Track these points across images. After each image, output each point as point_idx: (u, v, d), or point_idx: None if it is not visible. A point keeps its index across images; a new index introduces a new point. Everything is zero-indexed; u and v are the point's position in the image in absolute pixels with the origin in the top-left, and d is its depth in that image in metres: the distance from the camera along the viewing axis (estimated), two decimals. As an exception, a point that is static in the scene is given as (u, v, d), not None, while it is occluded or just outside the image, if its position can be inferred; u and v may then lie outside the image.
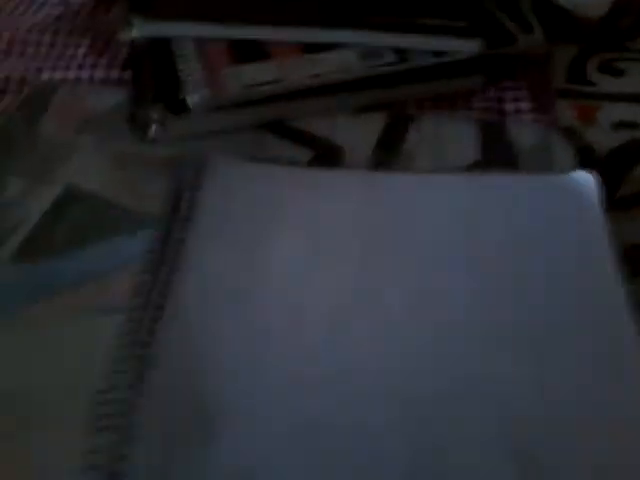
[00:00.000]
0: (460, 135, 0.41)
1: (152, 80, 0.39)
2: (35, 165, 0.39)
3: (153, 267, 0.32)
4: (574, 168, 0.38)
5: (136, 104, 0.40)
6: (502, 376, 0.29)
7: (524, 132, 0.41)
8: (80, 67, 0.44)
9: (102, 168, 0.38)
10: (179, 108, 0.38)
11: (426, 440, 0.27)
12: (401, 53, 0.40)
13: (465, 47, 0.39)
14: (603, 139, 0.40)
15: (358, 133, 0.41)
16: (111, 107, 0.41)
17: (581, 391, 0.28)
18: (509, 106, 0.42)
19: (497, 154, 0.40)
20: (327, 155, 0.39)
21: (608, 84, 0.44)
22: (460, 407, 0.28)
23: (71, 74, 0.43)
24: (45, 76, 0.44)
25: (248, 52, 0.40)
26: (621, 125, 0.41)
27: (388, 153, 0.40)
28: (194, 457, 0.27)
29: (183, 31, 0.41)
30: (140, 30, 0.41)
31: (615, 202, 0.36)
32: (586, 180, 0.36)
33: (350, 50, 0.40)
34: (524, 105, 0.42)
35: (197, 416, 0.28)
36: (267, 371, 0.29)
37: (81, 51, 0.45)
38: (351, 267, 0.33)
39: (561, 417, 0.28)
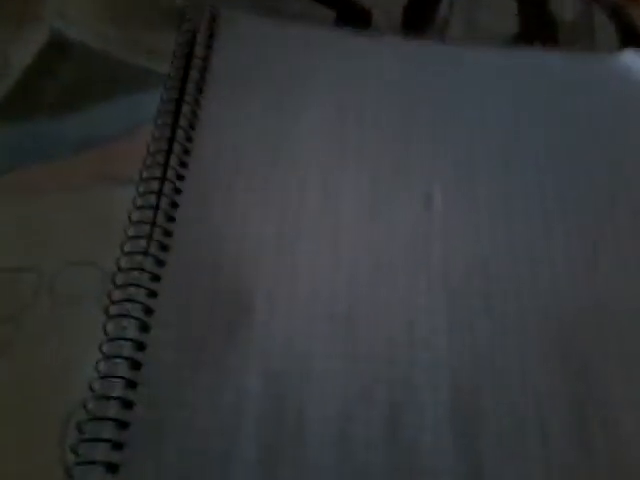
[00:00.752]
0: (495, 4, 0.37)
1: None
2: (10, 6, 0.33)
3: (167, 133, 0.28)
4: (618, 47, 0.35)
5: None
6: (557, 259, 0.27)
7: (564, 5, 0.37)
8: None
9: (93, 15, 0.33)
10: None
11: (468, 339, 0.25)
12: None
13: None
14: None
15: (386, -7, 0.36)
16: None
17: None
18: (549, -26, 0.38)
19: (536, 27, 0.36)
20: (352, 17, 0.35)
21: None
22: (515, 289, 0.26)
23: None
24: None
25: None
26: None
27: (419, 19, 0.36)
28: (227, 341, 0.24)
29: None
30: None
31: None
32: (634, 60, 0.34)
33: None
34: (565, -26, 0.38)
35: (227, 299, 0.25)
36: (302, 253, 0.26)
37: None
38: (386, 143, 0.30)
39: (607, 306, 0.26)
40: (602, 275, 0.27)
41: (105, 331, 0.23)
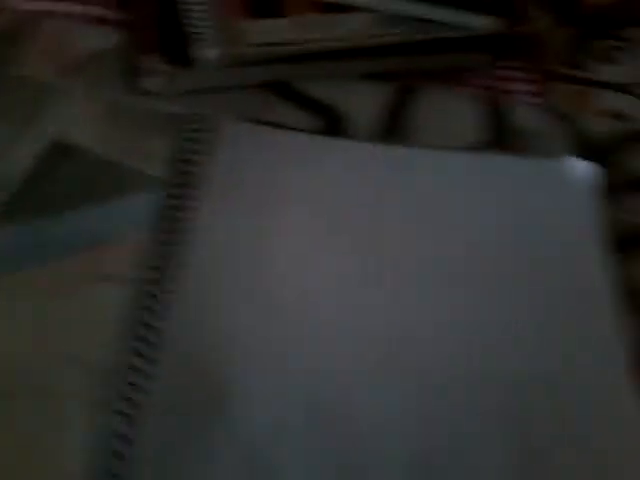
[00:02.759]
0: (463, 113, 0.41)
1: (154, 26, 0.36)
2: (15, 111, 0.35)
3: (162, 235, 0.31)
4: (571, 153, 0.39)
5: (135, 52, 0.36)
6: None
7: (525, 115, 0.41)
8: (72, -1, 0.39)
9: (95, 120, 0.35)
10: (186, 61, 0.35)
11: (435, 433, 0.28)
12: (417, 23, 0.39)
13: (481, 23, 0.38)
14: (598, 125, 0.41)
15: (363, 101, 0.39)
16: (104, 51, 0.37)
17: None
18: (510, 86, 0.43)
19: (498, 135, 0.40)
20: (332, 122, 0.38)
21: (602, 72, 0.45)
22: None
23: (60, 7, 0.39)
24: (28, 5, 0.39)
25: (263, 5, 0.37)
26: (615, 114, 0.43)
27: (393, 125, 0.39)
28: (207, 431, 0.26)
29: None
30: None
31: (608, 190, 0.38)
32: (582, 166, 0.38)
33: (368, 14, 0.38)
34: (524, 87, 0.43)
35: (211, 392, 0.28)
36: (281, 347, 0.29)
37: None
38: (359, 240, 0.33)
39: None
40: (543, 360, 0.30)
41: (93, 426, 0.25)
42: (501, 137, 0.40)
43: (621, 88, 0.44)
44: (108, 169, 0.34)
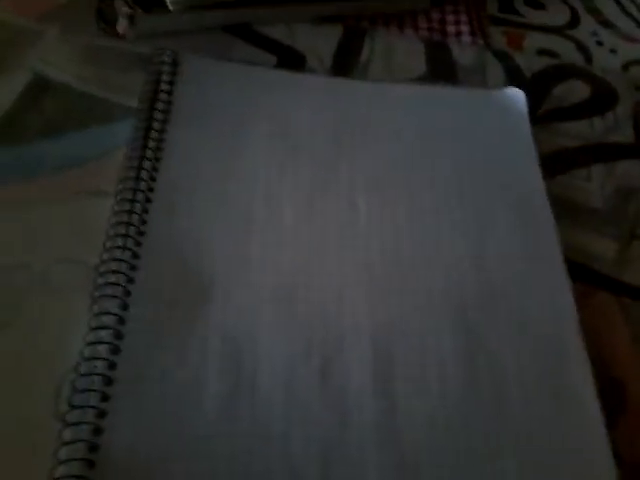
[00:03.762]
0: (408, 51, 0.45)
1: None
2: (-3, 51, 0.38)
3: (138, 154, 0.34)
4: (506, 85, 0.43)
5: (104, -1, 0.40)
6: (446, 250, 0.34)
7: (463, 52, 0.45)
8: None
9: (71, 60, 0.39)
10: (150, 5, 0.39)
11: (384, 309, 0.32)
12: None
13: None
14: (528, 62, 0.46)
15: (317, 42, 0.43)
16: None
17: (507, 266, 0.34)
18: (450, 28, 0.47)
19: (440, 70, 0.44)
20: (290, 61, 0.42)
21: (533, 16, 0.50)
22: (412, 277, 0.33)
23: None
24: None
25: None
26: (543, 52, 0.47)
27: (345, 63, 0.43)
28: (189, 320, 0.30)
29: None
30: None
31: (537, 117, 0.42)
32: (517, 95, 0.42)
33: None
34: (463, 28, 0.47)
35: (191, 283, 0.31)
36: (251, 248, 0.33)
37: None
38: (317, 162, 0.36)
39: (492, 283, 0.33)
40: (488, 260, 0.34)
41: (92, 310, 0.29)
42: (442, 72, 0.44)
43: (550, 29, 0.49)
44: (88, 101, 0.37)
